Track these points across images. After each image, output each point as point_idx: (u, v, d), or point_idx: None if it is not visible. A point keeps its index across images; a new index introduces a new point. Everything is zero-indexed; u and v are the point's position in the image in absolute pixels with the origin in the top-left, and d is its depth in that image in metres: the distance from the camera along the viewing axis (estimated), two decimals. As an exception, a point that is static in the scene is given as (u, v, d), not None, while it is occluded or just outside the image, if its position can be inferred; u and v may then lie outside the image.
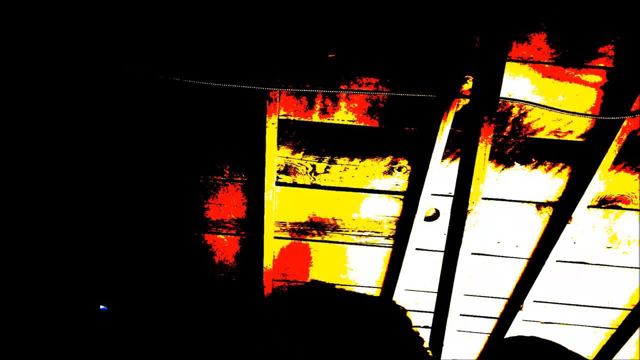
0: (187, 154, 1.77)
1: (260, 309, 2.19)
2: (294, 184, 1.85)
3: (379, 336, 0.58)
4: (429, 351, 0.63)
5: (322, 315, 0.58)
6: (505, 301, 2.17)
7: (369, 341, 0.57)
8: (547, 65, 1.53)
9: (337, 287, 0.68)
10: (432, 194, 1.83)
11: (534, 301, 2.15)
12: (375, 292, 2.18)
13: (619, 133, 1.59)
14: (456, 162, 1.75)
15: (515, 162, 1.75)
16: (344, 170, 1.80)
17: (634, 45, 1.47)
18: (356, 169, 1.79)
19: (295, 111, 1.67)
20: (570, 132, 1.67)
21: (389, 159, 1.77)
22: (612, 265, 2.00)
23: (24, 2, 1.43)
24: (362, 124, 1.68)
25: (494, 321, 2.26)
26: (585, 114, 1.56)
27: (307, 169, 1.80)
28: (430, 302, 2.20)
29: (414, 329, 0.64)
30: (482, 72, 1.34)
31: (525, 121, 1.65)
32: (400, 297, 2.13)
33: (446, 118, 1.59)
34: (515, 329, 2.22)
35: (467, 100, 1.57)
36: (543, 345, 0.60)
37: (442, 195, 1.85)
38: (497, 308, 2.21)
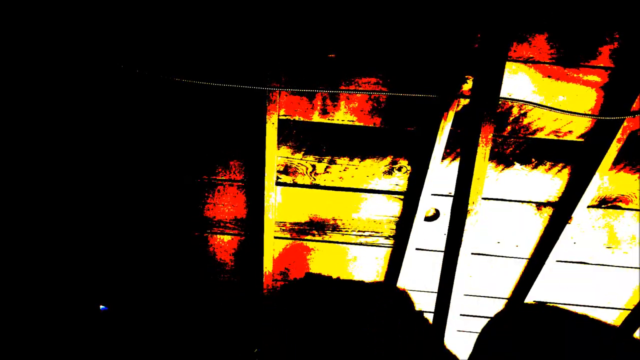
0: (187, 154, 1.77)
1: (259, 308, 2.19)
2: (294, 184, 1.85)
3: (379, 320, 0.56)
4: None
5: (321, 306, 0.56)
6: (505, 301, 2.17)
7: (370, 326, 0.55)
8: (547, 65, 1.53)
9: (335, 278, 0.64)
10: (432, 194, 1.83)
11: (534, 301, 2.15)
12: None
13: (619, 133, 1.59)
14: (456, 162, 1.75)
15: (515, 162, 1.75)
16: (344, 170, 1.80)
17: (634, 45, 1.47)
18: (356, 169, 1.79)
19: (295, 111, 1.67)
20: (570, 132, 1.67)
21: (389, 159, 1.77)
22: (612, 265, 2.00)
23: (26, 2, 1.43)
24: (362, 124, 1.68)
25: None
26: (585, 114, 1.56)
27: (307, 169, 1.80)
28: (430, 302, 2.20)
29: (416, 309, 0.61)
30: (482, 72, 1.34)
31: (525, 121, 1.65)
32: (399, 296, 2.12)
33: (446, 118, 1.59)
34: (515, 329, 2.21)
35: (467, 100, 1.57)
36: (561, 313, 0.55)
37: (442, 195, 1.85)
38: (497, 308, 2.21)
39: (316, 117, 1.68)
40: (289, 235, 2.00)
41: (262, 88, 1.52)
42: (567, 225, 1.83)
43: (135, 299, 2.22)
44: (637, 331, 2.16)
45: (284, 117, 1.68)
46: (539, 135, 1.68)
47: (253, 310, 2.26)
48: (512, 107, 1.62)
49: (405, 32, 1.49)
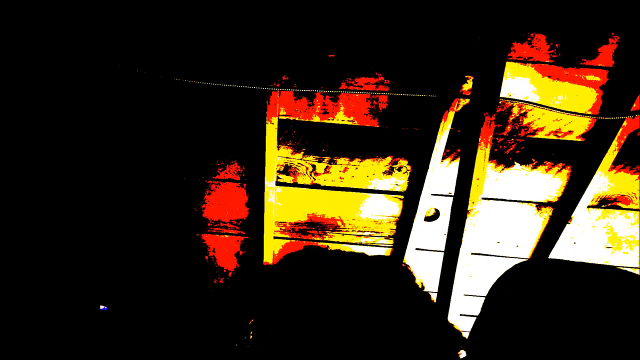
0: (187, 154, 1.77)
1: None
2: (294, 184, 1.85)
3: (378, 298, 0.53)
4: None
5: (315, 283, 0.54)
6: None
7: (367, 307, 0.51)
8: (547, 65, 1.53)
9: (336, 249, 0.61)
10: (432, 194, 1.83)
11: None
12: (375, 292, 2.18)
13: (618, 133, 1.59)
14: (456, 162, 1.75)
15: (515, 162, 1.75)
16: (344, 170, 1.80)
17: (634, 45, 1.47)
18: (356, 169, 1.79)
19: (295, 111, 1.67)
20: (570, 132, 1.67)
21: (389, 159, 1.77)
22: (612, 265, 2.00)
23: (27, 3, 1.43)
24: (362, 124, 1.68)
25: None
26: (585, 114, 1.56)
27: (307, 169, 1.80)
28: (430, 302, 2.19)
29: (419, 285, 0.58)
30: (482, 72, 1.34)
31: (525, 121, 1.65)
32: (400, 297, 2.12)
33: (446, 118, 1.59)
34: (515, 329, 2.21)
35: (467, 100, 1.57)
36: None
37: (442, 195, 1.85)
38: (497, 308, 2.20)
39: (316, 117, 1.68)
40: (289, 236, 2.00)
41: (262, 88, 1.52)
42: (567, 225, 1.83)
43: (135, 299, 2.22)
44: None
45: (284, 117, 1.67)
46: (539, 135, 1.68)
47: (252, 310, 2.26)
48: (512, 107, 1.62)
49: (405, 32, 1.49)
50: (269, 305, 0.56)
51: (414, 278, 0.57)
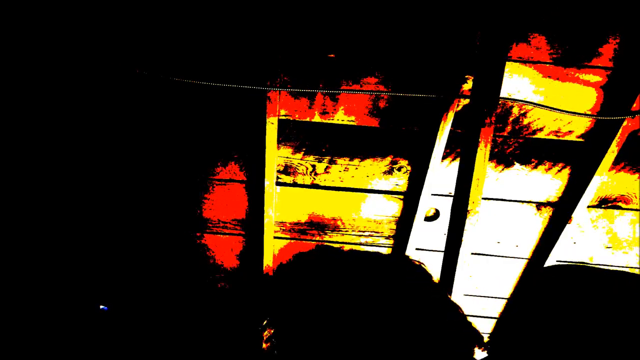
0: (187, 154, 1.77)
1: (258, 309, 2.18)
2: (294, 184, 1.85)
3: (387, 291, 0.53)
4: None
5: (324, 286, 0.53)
6: (505, 301, 2.17)
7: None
8: (547, 65, 1.53)
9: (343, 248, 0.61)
10: (432, 194, 1.83)
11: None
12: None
13: (619, 133, 1.59)
14: (456, 162, 1.75)
15: (515, 162, 1.75)
16: (344, 170, 1.80)
17: (634, 45, 1.47)
18: (356, 169, 1.79)
19: (295, 111, 1.66)
20: (570, 132, 1.67)
21: (389, 159, 1.77)
22: (612, 265, 2.00)
23: (28, 3, 1.43)
24: (362, 124, 1.68)
25: (494, 321, 2.26)
26: (585, 114, 1.56)
27: (307, 169, 1.80)
28: (430, 302, 2.19)
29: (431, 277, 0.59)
30: (482, 72, 1.34)
31: (525, 121, 1.65)
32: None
33: (446, 118, 1.59)
34: (515, 329, 2.21)
35: (467, 100, 1.57)
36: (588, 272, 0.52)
37: (442, 195, 1.85)
38: (497, 308, 2.21)
39: (316, 117, 1.67)
40: (289, 236, 2.00)
41: (261, 88, 1.52)
42: (567, 225, 1.83)
43: (135, 299, 2.22)
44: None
45: (283, 117, 1.67)
46: (539, 135, 1.68)
47: (252, 310, 2.26)
48: (512, 107, 1.62)
49: (405, 32, 1.49)
50: (288, 307, 0.55)
51: (430, 276, 0.58)
